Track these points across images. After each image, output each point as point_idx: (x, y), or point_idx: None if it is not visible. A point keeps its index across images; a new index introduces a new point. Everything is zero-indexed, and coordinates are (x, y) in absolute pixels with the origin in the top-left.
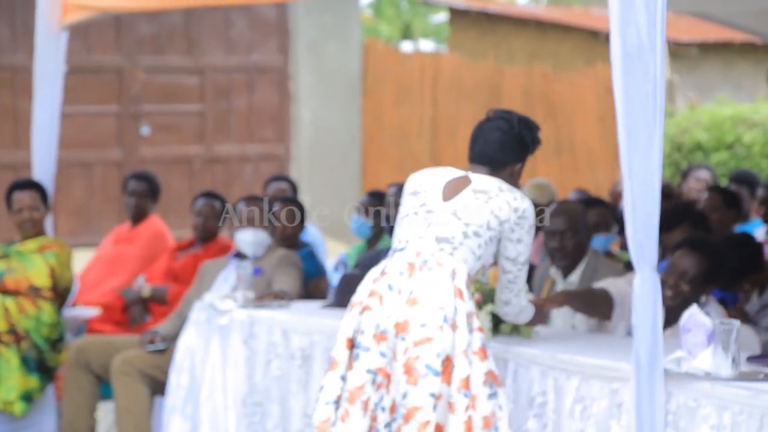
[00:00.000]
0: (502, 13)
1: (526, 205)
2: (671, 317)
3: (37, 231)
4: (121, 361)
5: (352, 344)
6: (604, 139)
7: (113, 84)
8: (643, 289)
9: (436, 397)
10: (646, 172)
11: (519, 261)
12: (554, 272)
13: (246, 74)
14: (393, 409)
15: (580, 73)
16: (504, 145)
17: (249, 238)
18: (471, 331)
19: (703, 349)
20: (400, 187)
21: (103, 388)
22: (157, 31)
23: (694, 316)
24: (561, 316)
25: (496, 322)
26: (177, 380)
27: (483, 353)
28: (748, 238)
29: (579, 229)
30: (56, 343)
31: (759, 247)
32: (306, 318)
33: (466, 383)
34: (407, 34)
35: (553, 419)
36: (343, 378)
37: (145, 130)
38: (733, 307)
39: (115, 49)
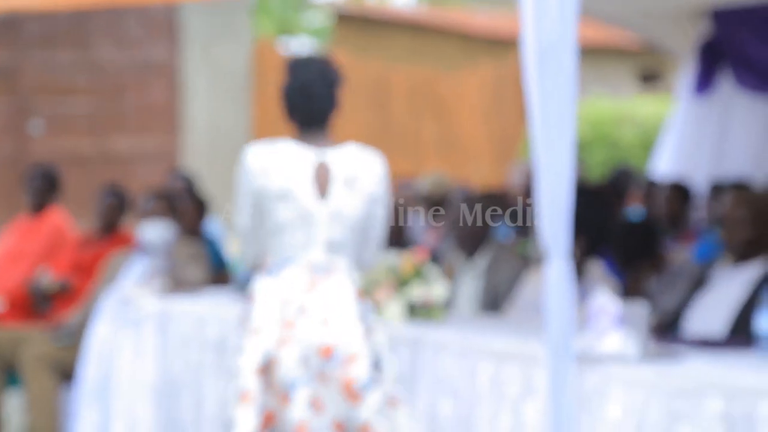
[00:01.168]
0: (382, 18)
1: (379, 167)
2: None
3: None
4: (30, 352)
5: (266, 373)
6: (488, 135)
7: (3, 80)
8: (555, 277)
9: (382, 409)
10: (559, 164)
11: (383, 219)
12: (458, 259)
13: (137, 71)
14: (339, 427)
15: (465, 72)
16: (333, 97)
17: (153, 231)
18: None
19: (612, 331)
20: None
21: (9, 377)
22: (48, 29)
23: (602, 300)
24: (467, 299)
25: (411, 308)
26: (89, 372)
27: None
28: (651, 224)
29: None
30: None
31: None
32: (220, 308)
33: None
34: (287, 31)
35: (468, 403)
36: (261, 409)
37: (37, 126)
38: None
39: (5, 46)
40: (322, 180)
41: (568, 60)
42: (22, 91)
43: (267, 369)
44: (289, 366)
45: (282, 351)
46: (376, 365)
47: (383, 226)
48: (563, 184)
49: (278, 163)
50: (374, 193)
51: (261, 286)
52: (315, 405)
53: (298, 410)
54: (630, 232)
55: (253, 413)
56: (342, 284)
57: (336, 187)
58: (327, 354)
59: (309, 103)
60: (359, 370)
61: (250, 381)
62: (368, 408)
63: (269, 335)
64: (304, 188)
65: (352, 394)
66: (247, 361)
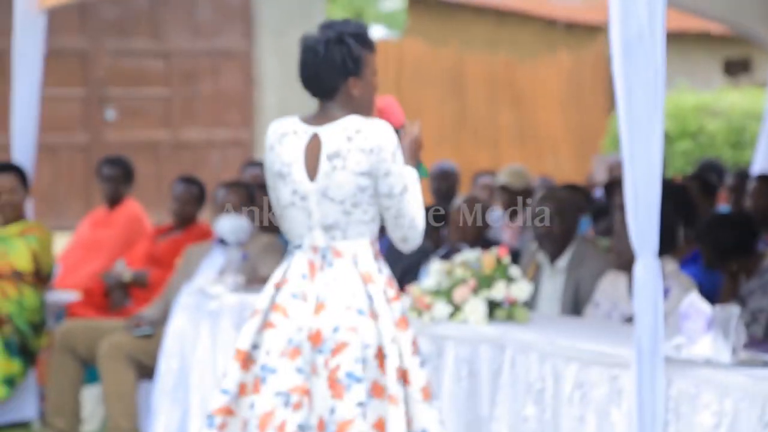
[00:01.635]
0: (460, 1)
1: (376, 137)
2: None
3: (17, 215)
4: (108, 345)
5: (246, 358)
6: (567, 126)
7: (78, 67)
8: (644, 276)
9: (364, 405)
10: (648, 160)
11: (394, 193)
12: (541, 257)
13: (211, 59)
14: (321, 426)
15: (542, 61)
16: (320, 70)
17: (230, 225)
18: (388, 304)
19: (703, 335)
20: None
21: (88, 372)
22: (121, 15)
23: (693, 302)
24: (547, 299)
25: (491, 308)
26: (167, 365)
27: (404, 323)
28: (748, 219)
29: (566, 215)
30: (38, 327)
31: (755, 231)
32: None
33: (403, 373)
34: (360, 18)
35: (552, 406)
36: (227, 392)
37: (110, 114)
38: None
39: (80, 32)
40: (312, 158)
41: (655, 52)
42: (96, 78)
43: (249, 354)
44: (269, 352)
45: (264, 336)
46: (375, 356)
47: (409, 201)
48: (652, 180)
49: (281, 139)
50: (372, 168)
51: (276, 272)
52: (300, 400)
53: (264, 400)
54: (721, 227)
55: (223, 396)
56: (342, 270)
57: (323, 165)
58: (317, 341)
59: (304, 71)
60: (346, 361)
61: (229, 365)
62: (349, 404)
63: (257, 320)
64: (298, 167)
65: (336, 387)
66: (238, 341)
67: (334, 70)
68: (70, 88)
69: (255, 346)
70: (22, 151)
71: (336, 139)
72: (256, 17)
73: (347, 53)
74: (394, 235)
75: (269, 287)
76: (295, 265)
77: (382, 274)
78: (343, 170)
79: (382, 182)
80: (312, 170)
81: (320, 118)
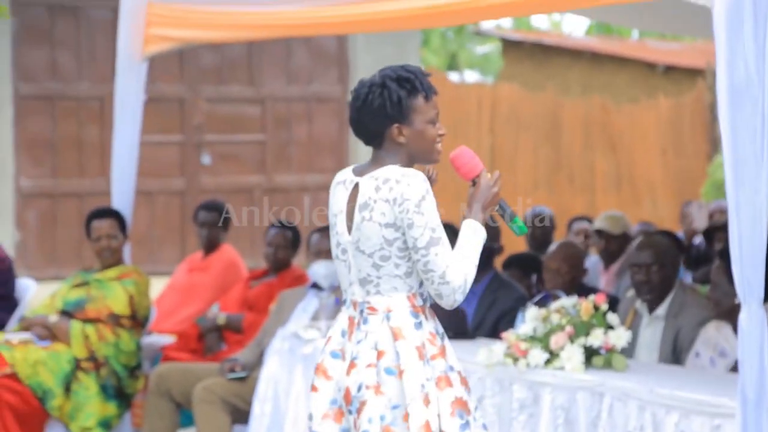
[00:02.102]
0: (556, 44)
1: (401, 187)
2: None
3: (116, 259)
4: (203, 388)
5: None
6: (666, 172)
7: (175, 114)
8: (749, 325)
9: None
10: (754, 207)
11: (418, 245)
12: (640, 305)
13: (306, 104)
14: None
15: (641, 105)
16: (362, 115)
17: (324, 270)
18: (426, 362)
19: None
20: None
21: (183, 416)
22: (219, 62)
23: None
24: (646, 348)
25: (588, 355)
26: (261, 409)
27: (444, 381)
28: None
29: (666, 262)
30: (134, 370)
31: None
32: None
33: (427, 427)
34: (453, 64)
35: None
36: None
37: (207, 159)
38: None
39: (179, 79)
40: (350, 209)
41: (763, 97)
42: (193, 124)
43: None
44: (313, 417)
45: (311, 401)
46: (404, 417)
47: (437, 254)
48: (757, 226)
49: (333, 189)
50: (396, 219)
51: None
52: None
53: None
54: None
55: None
56: (373, 326)
57: (356, 217)
58: (347, 401)
59: (351, 117)
60: (364, 421)
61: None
62: None
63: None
64: (341, 218)
65: None
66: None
67: (375, 115)
68: (167, 135)
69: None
70: (121, 196)
71: (367, 190)
72: (351, 63)
73: (388, 98)
74: (429, 290)
75: (319, 346)
76: (338, 322)
77: (421, 330)
78: (370, 221)
79: (407, 234)
80: (350, 222)
81: (368, 167)
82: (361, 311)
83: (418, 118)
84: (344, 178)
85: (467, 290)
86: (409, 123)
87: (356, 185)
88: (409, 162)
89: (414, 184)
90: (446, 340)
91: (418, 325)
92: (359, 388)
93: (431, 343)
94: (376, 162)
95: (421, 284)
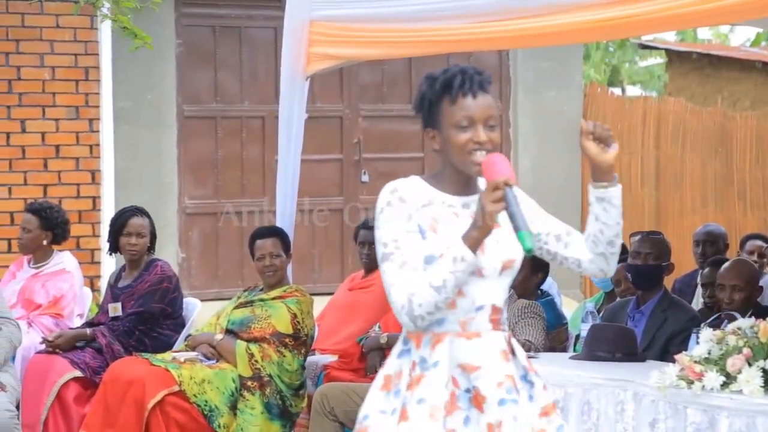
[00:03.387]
0: (725, 55)
1: (380, 197)
2: None
3: (279, 278)
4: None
5: None
6: None
7: (335, 131)
8: None
9: None
10: None
11: (378, 260)
12: None
13: None
14: None
15: None
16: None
17: None
18: (394, 394)
19: None
20: (642, 235)
21: None
22: (379, 79)
23: None
24: None
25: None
26: None
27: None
28: None
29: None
30: (298, 389)
31: None
32: (559, 369)
33: None
34: (615, 79)
35: None
36: None
37: (365, 176)
38: None
39: (338, 97)
40: None
41: None
42: (352, 141)
43: None
44: None
45: None
46: None
47: (385, 272)
48: None
49: None
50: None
51: None
52: None
53: None
54: None
55: None
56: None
57: None
58: None
59: None
60: None
61: None
62: None
63: None
64: None
65: None
66: None
67: (419, 118)
68: (327, 153)
69: None
70: (284, 215)
71: None
72: (511, 78)
73: (419, 99)
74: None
75: None
76: None
77: (402, 359)
78: None
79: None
80: None
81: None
82: None
83: (446, 121)
84: None
85: (415, 314)
86: (439, 127)
87: None
88: (454, 172)
89: (380, 197)
90: (434, 370)
91: (402, 353)
92: None
93: (408, 374)
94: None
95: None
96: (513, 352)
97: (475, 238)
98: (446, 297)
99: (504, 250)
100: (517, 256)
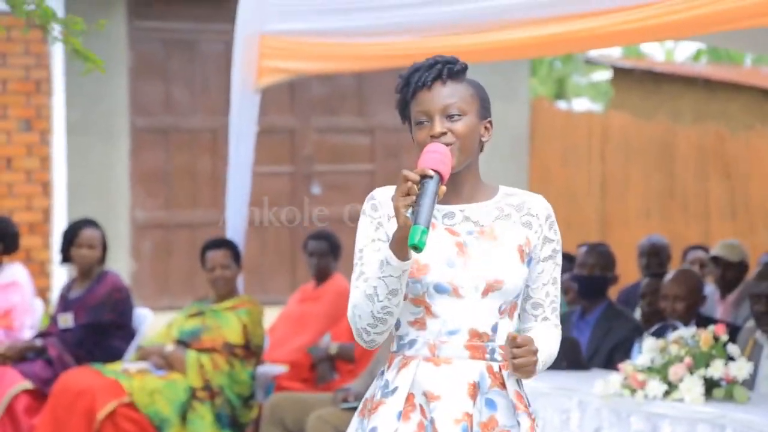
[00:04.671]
0: (668, 71)
1: None
2: None
3: (230, 289)
4: (316, 418)
5: None
6: None
7: (286, 144)
8: None
9: None
10: None
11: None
12: (760, 336)
13: None
14: None
15: (757, 133)
16: None
17: None
18: (364, 418)
19: None
20: (589, 247)
21: None
22: (329, 93)
23: None
24: (766, 379)
25: (709, 387)
26: None
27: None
28: None
29: None
30: (248, 399)
31: None
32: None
33: None
34: (561, 93)
35: None
36: None
37: (316, 189)
38: None
39: (290, 110)
40: None
41: None
42: (303, 154)
43: None
44: None
45: None
46: None
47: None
48: None
49: None
50: None
51: None
52: None
53: None
54: None
55: None
56: None
57: None
58: None
59: None
60: None
61: None
62: None
63: None
64: None
65: None
66: None
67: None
68: (278, 165)
69: None
70: (235, 227)
71: None
72: None
73: (397, 105)
74: None
75: None
76: None
77: (378, 380)
78: None
79: None
80: None
81: None
82: None
83: (412, 121)
84: None
85: (357, 326)
86: (411, 129)
87: None
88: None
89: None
90: (392, 397)
91: (379, 375)
92: None
93: (372, 399)
94: None
95: (398, 325)
96: (502, 385)
97: (395, 239)
98: (382, 306)
99: (492, 268)
100: (509, 276)
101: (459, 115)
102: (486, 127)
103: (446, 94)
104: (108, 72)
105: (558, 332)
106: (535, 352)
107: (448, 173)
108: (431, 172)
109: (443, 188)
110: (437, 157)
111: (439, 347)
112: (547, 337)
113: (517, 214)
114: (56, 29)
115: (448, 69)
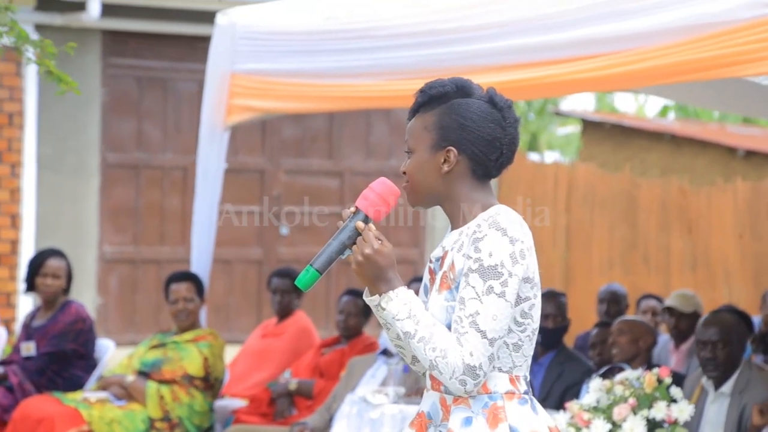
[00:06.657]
0: (636, 126)
1: None
2: None
3: (192, 322)
4: None
5: None
6: (743, 256)
7: (256, 184)
8: None
9: None
10: None
11: None
12: (706, 382)
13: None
14: None
15: (718, 189)
16: None
17: None
18: None
19: None
20: (547, 294)
21: None
22: (300, 134)
23: None
24: (711, 424)
25: (651, 427)
26: None
27: None
28: None
29: (732, 340)
30: (207, 431)
31: None
32: None
33: None
34: (534, 145)
35: None
36: None
37: (285, 229)
38: None
39: (260, 150)
40: None
41: None
42: (272, 195)
43: None
44: None
45: None
46: None
47: None
48: None
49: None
50: None
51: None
52: None
53: None
54: None
55: None
56: None
57: None
58: None
59: (510, 146)
60: None
61: None
62: None
63: None
64: None
65: None
66: None
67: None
68: (247, 205)
69: None
70: (200, 262)
71: None
72: None
73: None
74: None
75: None
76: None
77: None
78: None
79: None
80: None
81: None
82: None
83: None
84: None
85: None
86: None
87: None
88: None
89: None
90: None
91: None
92: None
93: None
94: None
95: None
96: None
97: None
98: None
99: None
100: (431, 310)
101: (409, 152)
102: (445, 158)
103: (407, 129)
104: (81, 107)
105: (453, 342)
106: (378, 252)
107: (381, 211)
108: (353, 210)
109: (370, 225)
110: (367, 194)
111: (425, 378)
112: (430, 320)
113: (468, 240)
114: (30, 51)
115: (418, 101)
